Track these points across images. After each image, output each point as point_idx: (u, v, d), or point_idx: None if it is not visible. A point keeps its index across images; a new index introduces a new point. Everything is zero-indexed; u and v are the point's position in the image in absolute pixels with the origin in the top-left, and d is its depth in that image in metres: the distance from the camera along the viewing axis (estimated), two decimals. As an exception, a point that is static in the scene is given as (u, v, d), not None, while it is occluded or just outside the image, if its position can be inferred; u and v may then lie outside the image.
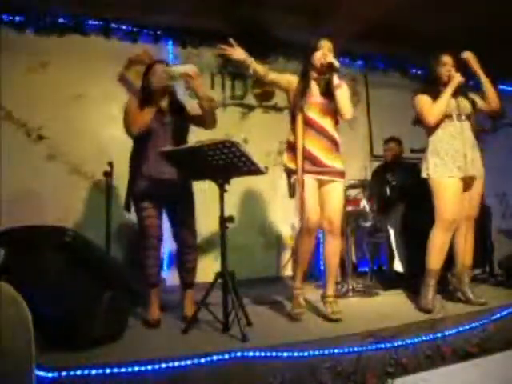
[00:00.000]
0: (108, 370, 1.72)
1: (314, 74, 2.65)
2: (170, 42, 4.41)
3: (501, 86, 5.70)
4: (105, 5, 3.86)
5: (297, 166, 2.52)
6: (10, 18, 3.85)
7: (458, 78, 2.77)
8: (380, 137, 4.80)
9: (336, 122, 2.67)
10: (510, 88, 5.80)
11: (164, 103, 2.69)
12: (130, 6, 3.87)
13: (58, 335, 1.98)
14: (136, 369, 1.74)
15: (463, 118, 2.81)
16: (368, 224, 3.58)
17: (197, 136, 2.65)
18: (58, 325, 1.95)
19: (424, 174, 2.84)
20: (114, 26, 4.17)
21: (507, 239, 4.81)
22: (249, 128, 4.55)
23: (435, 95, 2.80)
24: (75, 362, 1.76)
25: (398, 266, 3.61)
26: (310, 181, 2.54)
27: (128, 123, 2.60)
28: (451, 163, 2.75)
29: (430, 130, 2.86)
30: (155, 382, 1.76)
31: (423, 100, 2.83)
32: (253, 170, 2.35)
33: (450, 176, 2.74)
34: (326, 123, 2.60)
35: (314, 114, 2.57)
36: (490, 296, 2.89)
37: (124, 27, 4.22)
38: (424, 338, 2.18)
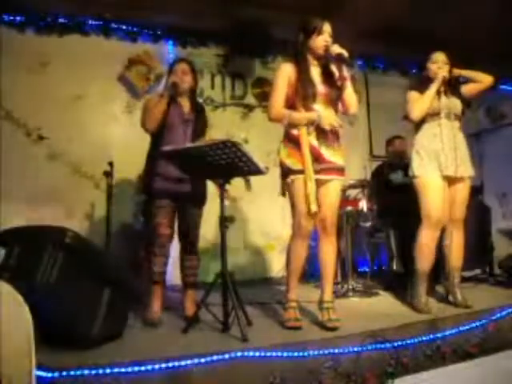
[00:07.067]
0: (108, 370, 1.71)
1: (310, 59, 2.45)
2: (170, 42, 4.41)
3: (501, 86, 5.70)
4: (105, 5, 3.86)
5: (302, 166, 2.30)
6: (10, 18, 3.86)
7: (441, 75, 2.76)
8: (380, 137, 4.79)
9: (336, 112, 2.48)
10: (510, 88, 5.80)
11: (186, 102, 2.71)
12: (130, 6, 3.87)
13: (58, 335, 1.98)
14: (136, 369, 1.74)
15: (453, 117, 2.79)
16: (368, 224, 3.58)
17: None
18: (58, 325, 1.95)
19: (410, 173, 2.84)
20: (114, 25, 4.17)
21: (507, 239, 4.81)
22: (249, 128, 4.54)
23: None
24: (75, 362, 1.75)
25: (398, 266, 3.61)
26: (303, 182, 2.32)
27: (145, 119, 2.63)
28: (435, 162, 2.72)
29: (417, 128, 2.85)
30: (155, 381, 1.75)
31: (411, 96, 2.83)
32: (253, 170, 2.35)
33: (434, 175, 2.72)
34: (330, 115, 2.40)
35: (318, 106, 2.37)
36: (489, 296, 2.89)
37: (124, 27, 4.22)
38: (424, 338, 2.18)
